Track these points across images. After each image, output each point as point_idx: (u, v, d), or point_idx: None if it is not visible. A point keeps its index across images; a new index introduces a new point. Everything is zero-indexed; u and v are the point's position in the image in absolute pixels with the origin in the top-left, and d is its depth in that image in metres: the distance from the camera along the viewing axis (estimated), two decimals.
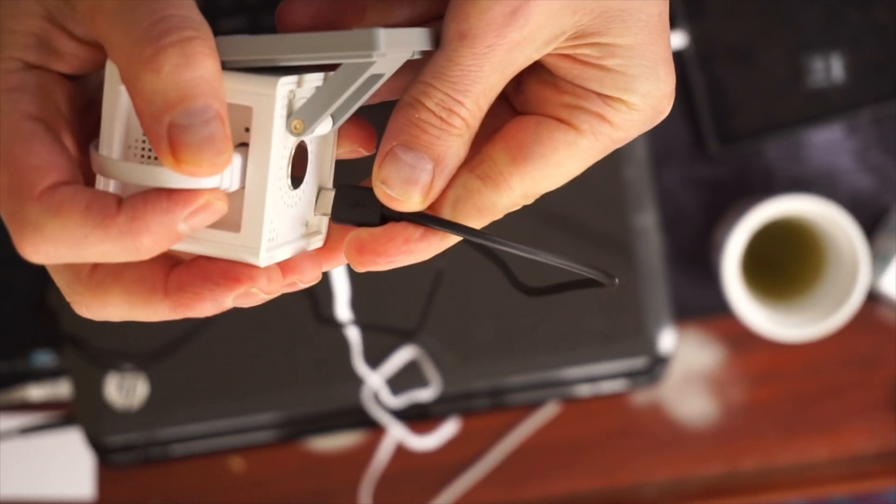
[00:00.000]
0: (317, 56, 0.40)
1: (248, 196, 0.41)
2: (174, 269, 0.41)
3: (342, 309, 0.87)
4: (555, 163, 0.43)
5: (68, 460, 0.97)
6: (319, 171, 0.45)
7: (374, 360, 0.89)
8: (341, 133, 0.45)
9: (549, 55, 0.43)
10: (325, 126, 0.43)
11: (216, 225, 0.41)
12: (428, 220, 0.43)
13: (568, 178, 0.44)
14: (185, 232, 0.40)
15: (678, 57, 0.94)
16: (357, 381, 0.89)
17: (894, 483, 0.97)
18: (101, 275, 0.42)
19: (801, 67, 0.95)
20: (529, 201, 0.44)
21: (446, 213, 0.43)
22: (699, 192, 0.97)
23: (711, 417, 0.98)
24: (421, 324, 0.87)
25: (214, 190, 0.40)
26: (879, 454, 0.98)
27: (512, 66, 0.42)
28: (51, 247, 0.39)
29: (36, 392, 0.96)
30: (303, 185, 0.44)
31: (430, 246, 0.43)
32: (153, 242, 0.39)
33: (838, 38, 0.94)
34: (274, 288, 0.42)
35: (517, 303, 0.88)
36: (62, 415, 0.96)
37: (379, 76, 0.43)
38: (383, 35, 0.39)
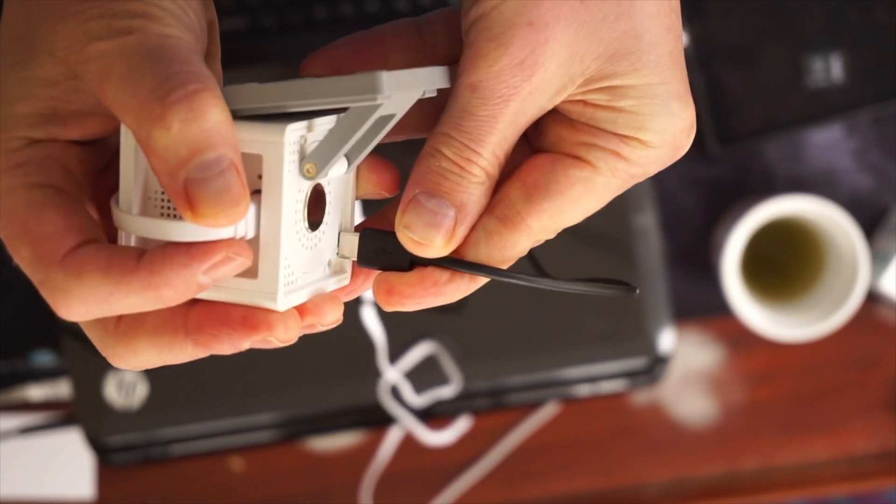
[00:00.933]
0: (323, 101, 0.41)
1: (263, 243, 0.42)
2: (193, 307, 0.42)
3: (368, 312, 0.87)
4: (571, 200, 0.44)
5: (68, 460, 0.97)
6: (340, 212, 0.46)
7: (392, 356, 0.89)
8: (364, 175, 0.46)
9: (566, 102, 0.44)
10: (339, 168, 0.43)
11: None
12: (454, 263, 0.44)
13: (587, 214, 0.45)
14: (208, 283, 0.40)
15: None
16: (363, 379, 0.89)
17: (894, 483, 0.97)
18: (126, 325, 0.42)
19: (801, 67, 0.95)
20: (551, 236, 0.45)
21: (470, 256, 0.44)
22: (699, 192, 0.97)
23: (711, 417, 0.98)
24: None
25: (234, 242, 0.40)
26: (879, 454, 0.98)
27: (525, 117, 0.43)
28: (82, 307, 0.40)
29: (36, 392, 0.96)
30: (322, 227, 0.45)
31: (458, 288, 0.45)
32: (175, 294, 0.40)
33: (838, 38, 0.94)
34: (291, 336, 0.43)
35: (517, 303, 0.88)
36: (62, 415, 0.96)
37: (390, 116, 0.43)
38: (386, 78, 0.40)
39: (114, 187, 0.43)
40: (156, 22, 0.40)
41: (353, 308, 0.88)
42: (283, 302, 0.42)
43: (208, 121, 0.39)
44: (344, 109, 0.43)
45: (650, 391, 0.98)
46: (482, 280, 0.45)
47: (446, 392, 0.89)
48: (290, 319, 0.42)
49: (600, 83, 0.43)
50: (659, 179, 0.95)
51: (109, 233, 0.43)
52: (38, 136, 0.42)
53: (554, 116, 0.45)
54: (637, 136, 0.44)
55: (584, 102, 0.43)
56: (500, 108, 0.42)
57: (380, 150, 0.46)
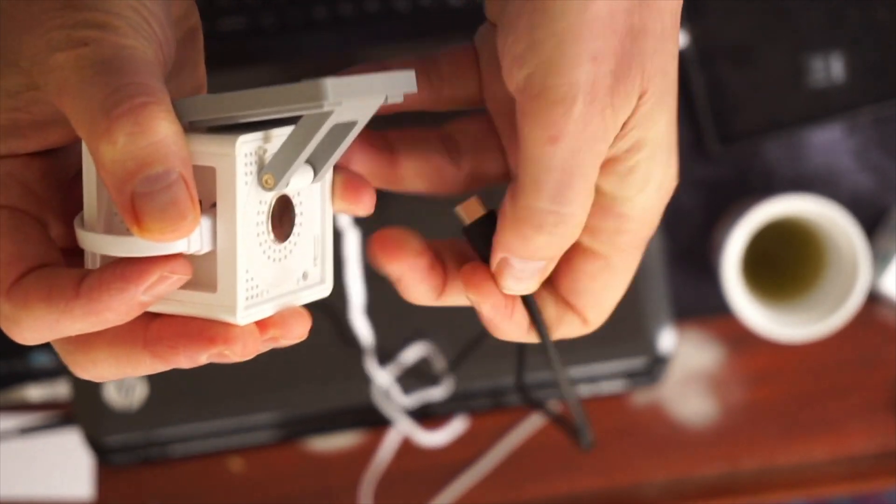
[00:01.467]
0: (273, 110, 0.40)
1: (221, 256, 0.41)
2: (154, 319, 0.42)
3: (357, 315, 0.87)
4: (602, 286, 0.47)
5: (67, 460, 0.97)
6: (316, 221, 0.45)
7: (386, 358, 0.89)
8: (339, 193, 0.45)
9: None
10: (304, 178, 0.43)
11: (194, 286, 0.41)
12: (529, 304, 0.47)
13: (625, 287, 0.47)
14: (150, 301, 0.40)
15: (678, 57, 0.94)
16: (358, 381, 0.89)
17: (894, 483, 0.97)
18: (87, 333, 0.42)
19: (801, 67, 0.95)
20: (606, 317, 0.48)
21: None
22: (699, 192, 0.97)
23: (711, 417, 0.98)
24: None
25: (169, 260, 0.40)
26: (879, 454, 0.98)
27: (599, 160, 0.42)
28: (33, 333, 0.41)
29: (35, 392, 0.96)
30: (293, 238, 0.44)
31: (513, 326, 0.48)
32: (118, 316, 0.40)
33: (838, 38, 0.94)
34: (248, 351, 0.42)
35: None
36: (61, 415, 0.96)
37: (351, 124, 0.43)
38: (331, 85, 0.39)
39: (81, 199, 0.43)
40: (112, 32, 0.40)
41: (345, 311, 0.88)
42: (243, 316, 0.42)
43: (155, 134, 0.38)
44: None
45: (650, 391, 0.98)
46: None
47: (436, 393, 0.89)
48: (248, 335, 0.42)
49: (630, 125, 0.42)
50: None
51: (77, 244, 0.43)
52: None
53: None
54: (635, 198, 0.44)
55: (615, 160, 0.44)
56: (581, 154, 0.42)
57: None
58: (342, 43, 0.92)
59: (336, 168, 0.46)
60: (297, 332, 0.44)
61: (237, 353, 0.41)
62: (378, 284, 0.88)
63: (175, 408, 0.88)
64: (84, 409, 0.88)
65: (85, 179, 0.42)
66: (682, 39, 0.94)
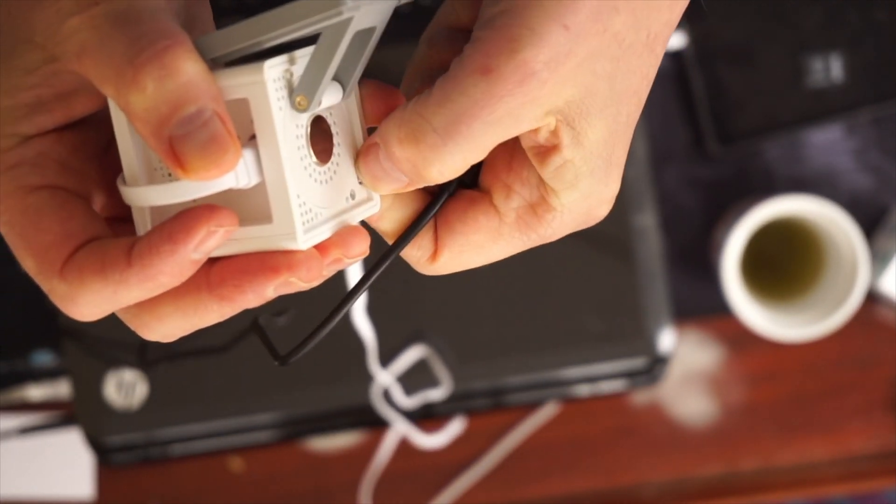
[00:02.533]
0: (294, 28, 0.40)
1: (270, 185, 0.41)
2: (214, 264, 0.41)
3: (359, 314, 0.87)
4: (474, 244, 0.45)
5: (68, 460, 0.97)
6: (352, 139, 0.45)
7: (384, 359, 0.89)
8: (367, 103, 0.45)
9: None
10: (334, 95, 0.43)
11: (249, 221, 0.41)
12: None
13: (491, 260, 0.45)
14: (201, 258, 0.40)
15: (678, 57, 0.94)
16: (358, 381, 0.89)
17: (894, 483, 0.97)
18: None
19: (800, 67, 0.95)
20: (453, 270, 0.46)
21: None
22: (699, 192, 0.97)
23: (711, 417, 0.98)
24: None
25: (214, 213, 0.40)
26: (879, 454, 0.98)
27: (514, 127, 0.41)
28: (93, 308, 0.41)
29: (35, 392, 0.96)
30: (334, 158, 0.44)
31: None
32: (174, 279, 0.40)
33: (838, 38, 0.94)
34: (314, 275, 0.42)
35: (517, 303, 0.88)
36: (62, 415, 0.96)
37: (371, 31, 0.42)
38: None
39: (120, 164, 0.43)
40: None
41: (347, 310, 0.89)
42: (304, 240, 0.41)
43: (183, 74, 0.38)
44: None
45: (650, 391, 0.98)
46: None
47: (436, 395, 0.89)
48: (311, 259, 0.41)
49: (569, 117, 0.41)
50: (659, 179, 0.95)
51: (123, 211, 0.43)
52: (26, 132, 0.42)
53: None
54: (561, 193, 0.43)
55: (540, 145, 0.42)
56: (503, 101, 0.40)
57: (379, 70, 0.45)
58: None
59: (360, 82, 0.45)
60: (359, 249, 0.43)
61: (303, 277, 0.41)
62: (379, 285, 0.88)
63: (175, 408, 0.88)
64: (84, 409, 0.88)
65: (119, 138, 0.41)
66: (682, 40, 0.94)
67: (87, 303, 0.40)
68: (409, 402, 0.90)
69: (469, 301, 0.88)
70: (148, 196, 0.41)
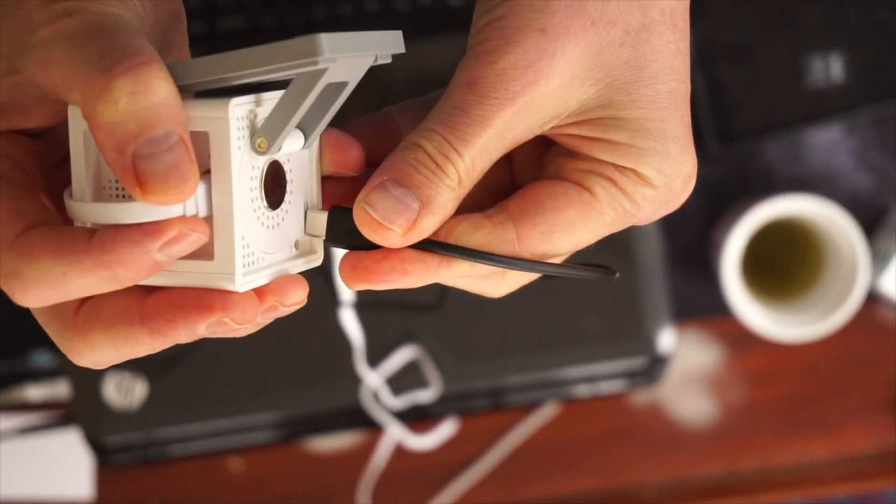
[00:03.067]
0: (267, 69, 0.39)
1: (217, 222, 0.41)
2: (149, 295, 0.41)
3: (346, 313, 0.88)
4: (566, 221, 0.43)
5: (67, 460, 0.97)
6: (304, 189, 0.44)
7: (375, 359, 0.89)
8: (326, 152, 0.45)
9: (559, 134, 0.43)
10: (295, 142, 0.42)
11: (190, 255, 0.41)
12: (426, 243, 0.42)
13: (578, 244, 0.44)
14: (164, 261, 0.39)
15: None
16: (357, 381, 0.89)
17: (894, 483, 0.97)
18: (82, 316, 0.41)
19: (800, 67, 0.95)
20: (537, 255, 0.44)
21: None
22: (699, 192, 0.96)
23: (711, 417, 0.98)
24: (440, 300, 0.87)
25: (187, 218, 0.39)
26: (879, 454, 0.98)
27: (514, 132, 0.42)
28: (36, 290, 0.39)
29: (35, 392, 0.96)
30: (284, 206, 0.43)
31: (427, 269, 0.42)
32: (130, 273, 0.39)
33: (838, 38, 0.94)
34: (248, 317, 0.41)
35: (517, 303, 0.88)
36: (61, 415, 0.96)
37: (342, 85, 0.42)
38: (325, 40, 0.38)
39: (69, 182, 0.42)
40: (95, 1, 0.39)
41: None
42: (242, 282, 0.41)
43: (156, 95, 0.38)
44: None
45: (650, 391, 0.98)
46: (453, 267, 0.43)
47: (424, 396, 0.89)
48: (246, 301, 0.41)
49: (596, 112, 0.42)
50: None
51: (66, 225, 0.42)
52: None
53: (555, 149, 0.44)
54: (634, 168, 0.43)
55: (581, 136, 0.43)
56: (493, 110, 0.41)
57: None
58: None
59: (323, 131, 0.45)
60: (295, 297, 0.42)
61: (237, 318, 0.40)
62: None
63: (175, 408, 0.88)
64: (84, 409, 0.88)
65: (73, 150, 0.41)
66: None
67: (33, 282, 0.39)
68: (397, 402, 0.89)
69: (468, 300, 0.88)
70: (95, 213, 0.40)
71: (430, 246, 0.42)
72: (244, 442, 0.91)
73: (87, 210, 0.40)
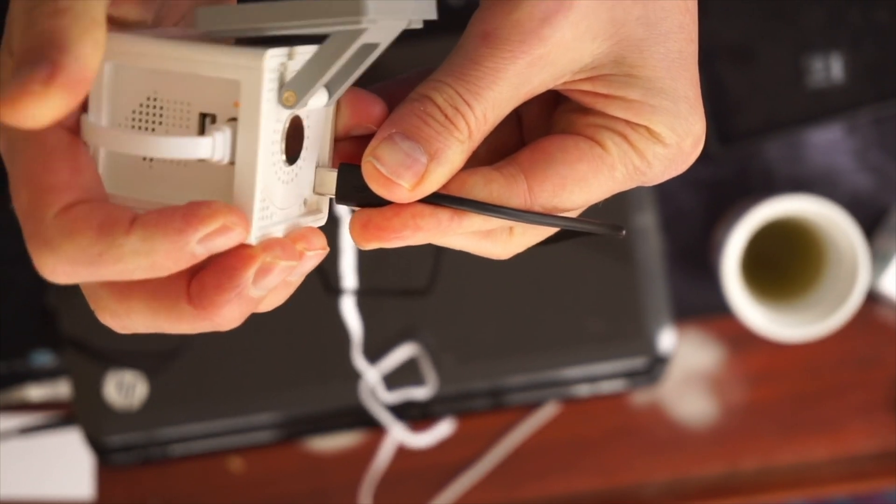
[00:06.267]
0: (305, 24, 0.39)
1: (239, 170, 0.40)
2: (195, 275, 0.40)
3: (348, 276, 0.87)
4: (578, 175, 0.42)
5: (68, 460, 0.97)
6: (318, 147, 0.44)
7: (374, 356, 0.89)
8: (347, 107, 0.44)
9: (571, 89, 0.43)
10: (319, 99, 0.42)
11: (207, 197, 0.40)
12: (438, 197, 0.42)
13: (589, 199, 0.43)
14: (202, 254, 0.38)
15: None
16: (357, 379, 0.89)
17: (894, 483, 0.97)
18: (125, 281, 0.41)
19: (801, 67, 0.95)
20: (547, 209, 0.43)
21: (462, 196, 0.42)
22: (699, 192, 0.97)
23: (711, 417, 0.98)
24: (431, 284, 0.87)
25: (232, 209, 0.39)
26: (879, 454, 0.98)
27: (527, 85, 0.41)
28: (68, 266, 0.38)
29: (35, 392, 0.96)
30: (299, 162, 0.43)
31: (439, 224, 0.42)
32: (168, 261, 0.38)
33: (838, 38, 0.94)
34: (292, 253, 0.40)
35: (517, 303, 0.88)
36: (62, 415, 0.96)
37: (374, 46, 0.42)
38: (370, 1, 0.38)
39: None
40: None
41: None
42: (258, 235, 0.41)
43: (39, 26, 0.37)
44: (325, 37, 0.41)
45: (650, 391, 0.98)
46: (465, 221, 0.42)
47: (420, 393, 0.89)
48: (284, 240, 0.41)
49: (609, 69, 0.42)
50: None
51: None
52: None
53: (565, 105, 0.44)
54: (646, 125, 0.42)
55: (594, 93, 0.42)
56: (507, 62, 0.40)
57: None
58: None
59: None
60: (319, 242, 0.42)
61: (280, 256, 0.40)
62: (379, 281, 0.88)
63: (175, 408, 0.88)
64: (84, 409, 0.88)
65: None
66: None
67: (68, 258, 0.38)
68: (392, 397, 0.89)
69: (468, 300, 0.88)
70: (111, 138, 0.40)
71: (442, 200, 0.41)
72: (244, 442, 0.91)
73: (105, 134, 0.40)
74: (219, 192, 0.41)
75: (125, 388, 0.87)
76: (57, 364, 0.95)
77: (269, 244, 0.40)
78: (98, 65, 0.38)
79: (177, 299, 0.40)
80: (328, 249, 0.42)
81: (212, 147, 0.40)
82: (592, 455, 0.98)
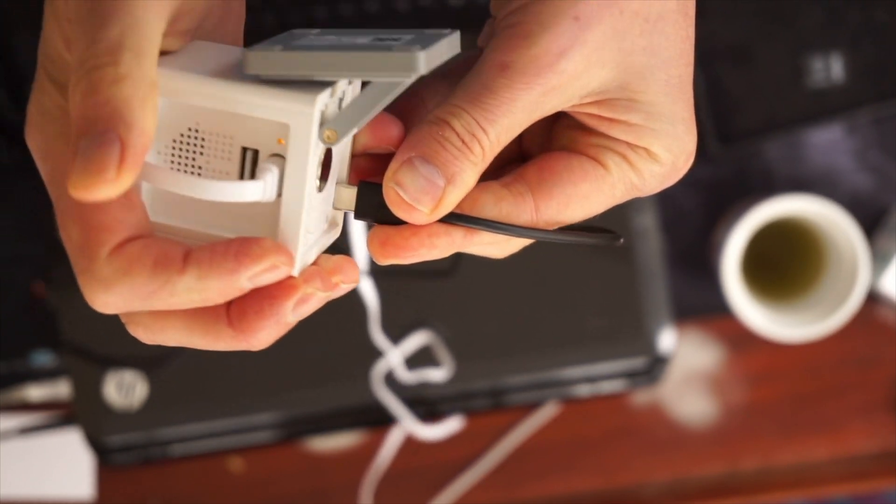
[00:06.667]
0: (357, 75, 0.41)
1: (286, 207, 0.42)
2: (235, 301, 0.42)
3: (363, 282, 0.87)
4: (581, 193, 0.45)
5: (68, 460, 0.97)
6: (338, 165, 0.46)
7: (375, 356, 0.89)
8: (371, 130, 0.46)
9: (577, 112, 0.45)
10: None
11: (249, 231, 0.42)
12: (452, 217, 0.44)
13: (589, 214, 0.46)
14: (248, 287, 0.41)
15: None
16: (360, 379, 0.89)
17: (894, 483, 0.97)
18: None
19: (801, 67, 0.95)
20: (551, 227, 0.46)
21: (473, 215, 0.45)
22: (699, 192, 0.97)
23: (711, 417, 0.98)
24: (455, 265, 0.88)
25: (281, 249, 0.41)
26: (879, 454, 0.98)
27: (540, 111, 0.43)
28: (120, 301, 0.40)
29: (35, 392, 0.96)
30: (326, 184, 0.45)
31: (452, 242, 0.44)
32: (218, 296, 0.40)
33: (838, 38, 0.94)
34: (329, 285, 0.43)
35: (517, 303, 0.88)
36: (62, 415, 0.96)
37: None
38: (423, 58, 0.40)
39: None
40: None
41: (351, 296, 0.88)
42: (298, 267, 0.42)
43: (102, 93, 0.39)
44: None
45: (650, 391, 0.98)
46: (477, 238, 0.45)
47: (438, 375, 0.89)
48: (321, 271, 0.43)
49: (613, 93, 0.44)
50: None
51: None
52: None
53: (567, 122, 0.46)
54: (646, 147, 0.45)
55: (599, 116, 0.44)
56: (523, 92, 0.42)
57: None
58: None
59: None
60: (353, 274, 0.44)
61: (320, 287, 0.42)
62: (382, 283, 0.88)
63: (175, 408, 0.88)
64: (84, 409, 0.88)
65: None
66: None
67: (121, 294, 0.40)
68: (411, 377, 0.89)
69: (469, 301, 0.88)
70: (168, 178, 0.41)
71: (455, 219, 0.44)
72: (244, 442, 0.91)
73: (160, 174, 0.41)
74: (261, 220, 0.43)
75: (125, 388, 0.87)
76: (57, 364, 0.95)
77: (309, 276, 0.42)
78: (155, 127, 0.40)
79: (215, 321, 0.42)
80: (359, 282, 0.45)
81: (263, 191, 0.41)
82: (592, 455, 0.98)
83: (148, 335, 0.43)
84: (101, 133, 0.38)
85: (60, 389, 0.95)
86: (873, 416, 0.98)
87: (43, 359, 0.95)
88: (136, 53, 0.39)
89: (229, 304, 0.42)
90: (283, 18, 0.91)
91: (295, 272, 0.42)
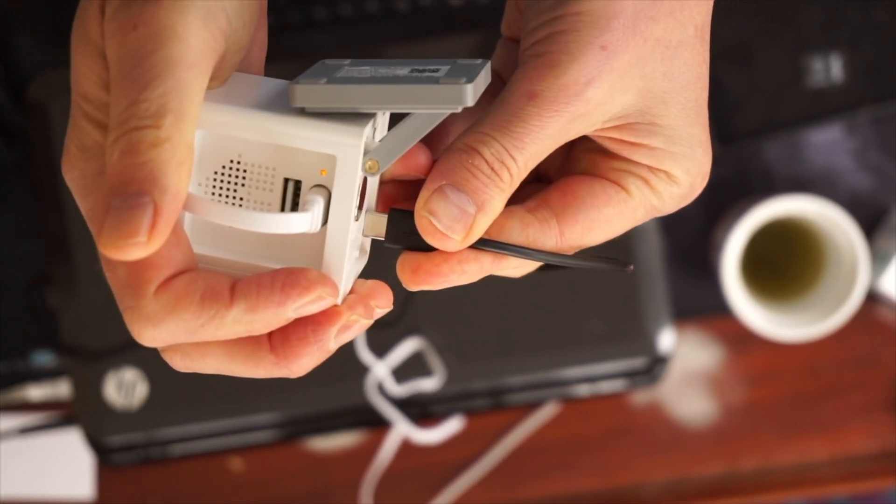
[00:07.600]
0: (404, 107, 0.42)
1: (330, 239, 0.42)
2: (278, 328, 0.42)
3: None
4: (604, 218, 0.46)
5: (68, 460, 0.97)
6: (370, 196, 0.46)
7: (379, 352, 0.89)
8: (401, 159, 0.46)
9: (599, 136, 0.45)
10: None
11: (290, 264, 0.42)
12: (481, 242, 0.44)
13: (610, 237, 0.47)
14: (294, 317, 0.41)
15: None
16: (358, 380, 0.89)
17: (894, 483, 0.97)
18: None
19: (800, 67, 0.95)
20: (572, 250, 0.47)
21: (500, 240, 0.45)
22: None
23: (711, 417, 0.98)
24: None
25: (327, 281, 0.41)
26: (879, 454, 0.98)
27: (565, 137, 0.44)
28: (168, 336, 0.41)
29: (36, 392, 0.96)
30: (363, 214, 0.45)
31: (482, 267, 0.45)
32: (264, 328, 0.41)
33: (838, 38, 0.94)
34: (370, 312, 0.43)
35: (517, 303, 0.88)
36: (62, 415, 0.96)
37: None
38: (471, 90, 0.41)
39: None
40: (166, 10, 0.40)
41: None
42: (342, 296, 0.43)
43: (141, 155, 0.39)
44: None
45: (650, 391, 0.98)
46: (504, 262, 0.45)
47: (428, 384, 0.89)
48: (363, 298, 0.44)
49: (634, 118, 0.44)
50: None
51: None
52: None
53: (587, 145, 0.47)
54: (666, 170, 0.46)
55: (620, 140, 0.45)
56: (551, 120, 0.43)
57: None
58: (342, 43, 0.92)
59: None
60: (388, 299, 0.45)
61: (363, 315, 0.43)
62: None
63: (175, 408, 0.88)
64: (85, 409, 0.88)
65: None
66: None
67: (169, 330, 0.40)
68: (401, 390, 0.89)
69: (469, 300, 0.88)
70: (217, 212, 0.41)
71: (484, 245, 0.44)
72: (245, 442, 0.91)
73: (207, 206, 0.41)
74: (303, 250, 0.43)
75: (125, 388, 0.87)
76: (57, 364, 0.95)
77: (351, 303, 0.43)
78: (188, 188, 0.40)
79: (258, 348, 0.42)
80: (392, 307, 0.46)
81: (310, 222, 0.42)
82: (592, 455, 0.98)
83: (185, 363, 0.43)
84: (134, 195, 0.39)
85: (60, 389, 0.95)
86: (873, 416, 0.98)
87: (43, 359, 0.95)
88: (178, 117, 0.39)
89: (271, 332, 0.42)
90: (283, 18, 0.91)
91: (339, 301, 0.43)
